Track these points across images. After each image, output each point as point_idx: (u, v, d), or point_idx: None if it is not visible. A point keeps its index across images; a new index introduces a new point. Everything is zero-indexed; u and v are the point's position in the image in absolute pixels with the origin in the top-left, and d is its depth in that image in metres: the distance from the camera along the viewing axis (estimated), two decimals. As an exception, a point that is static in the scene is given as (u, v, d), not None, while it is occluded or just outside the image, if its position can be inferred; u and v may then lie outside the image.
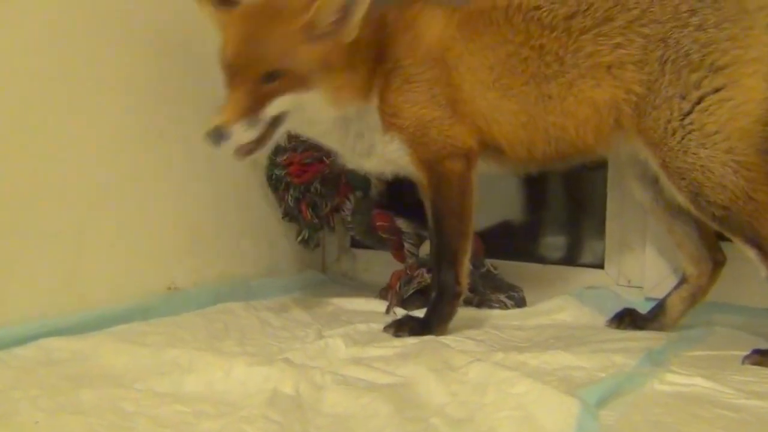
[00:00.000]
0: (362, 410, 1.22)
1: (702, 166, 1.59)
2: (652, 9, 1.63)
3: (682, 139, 1.60)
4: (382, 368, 1.43)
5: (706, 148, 1.58)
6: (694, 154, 1.59)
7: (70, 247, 1.76)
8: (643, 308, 1.96)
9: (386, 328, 1.79)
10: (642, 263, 2.14)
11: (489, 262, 2.22)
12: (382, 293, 2.20)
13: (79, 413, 1.18)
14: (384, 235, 2.29)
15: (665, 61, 1.61)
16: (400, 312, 2.00)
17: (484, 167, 1.84)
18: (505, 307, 2.13)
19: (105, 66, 1.84)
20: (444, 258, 1.81)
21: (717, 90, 1.57)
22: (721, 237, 1.80)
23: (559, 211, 2.53)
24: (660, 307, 1.91)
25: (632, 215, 2.14)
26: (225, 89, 1.64)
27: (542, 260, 2.39)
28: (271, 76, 1.62)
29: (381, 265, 2.40)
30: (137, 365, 1.44)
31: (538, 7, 1.73)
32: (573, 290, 2.17)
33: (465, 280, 1.81)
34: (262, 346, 1.64)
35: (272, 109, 1.63)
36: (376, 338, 1.73)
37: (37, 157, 1.69)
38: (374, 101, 1.78)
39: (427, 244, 2.19)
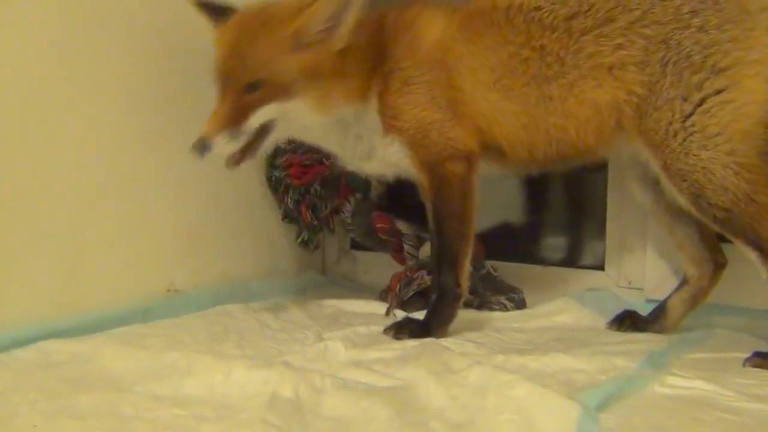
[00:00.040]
0: (362, 414, 1.21)
1: (703, 167, 1.58)
2: (653, 10, 1.63)
3: (684, 140, 1.60)
4: (381, 371, 1.43)
5: (708, 150, 1.58)
6: (695, 155, 1.59)
7: (70, 248, 1.75)
8: (644, 310, 1.96)
9: (386, 331, 1.78)
10: (642, 265, 2.14)
11: (489, 264, 2.22)
12: (382, 295, 2.20)
13: (78, 417, 1.17)
14: (384, 237, 2.29)
15: (666, 63, 1.61)
16: (400, 314, 2.00)
17: (485, 168, 1.84)
18: (506, 309, 2.12)
19: (105, 67, 1.83)
20: (445, 260, 1.80)
21: (718, 92, 1.57)
22: (722, 238, 1.80)
23: (560, 212, 2.53)
24: (661, 309, 1.91)
25: (633, 217, 2.14)
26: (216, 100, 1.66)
27: (542, 262, 2.39)
28: (252, 86, 1.63)
29: (381, 266, 2.40)
30: (136, 368, 1.43)
31: (539, 8, 1.72)
32: (573, 292, 2.16)
33: (465, 283, 1.80)
34: (261, 348, 1.63)
35: (256, 119, 1.64)
36: (375, 340, 1.73)
37: (36, 157, 1.69)
38: (373, 103, 1.78)
39: (427, 245, 2.18)
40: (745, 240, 1.60)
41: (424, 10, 1.83)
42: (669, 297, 1.91)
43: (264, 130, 1.68)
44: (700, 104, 1.58)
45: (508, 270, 2.26)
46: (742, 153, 1.56)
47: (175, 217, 2.04)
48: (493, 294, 2.15)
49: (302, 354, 1.55)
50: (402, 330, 1.76)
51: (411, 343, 1.67)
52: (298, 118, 1.70)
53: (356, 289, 2.45)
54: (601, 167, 2.16)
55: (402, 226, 2.27)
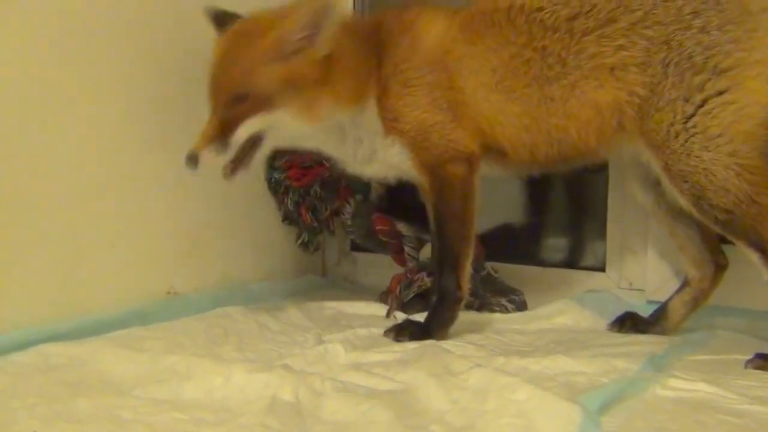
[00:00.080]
0: (362, 417, 1.20)
1: (705, 169, 1.58)
2: (655, 11, 1.62)
3: (685, 141, 1.59)
4: (382, 374, 1.42)
5: (709, 151, 1.57)
6: (697, 157, 1.58)
7: (69, 251, 1.75)
8: (645, 311, 1.96)
9: (386, 333, 1.78)
10: (643, 266, 2.13)
11: (489, 265, 2.21)
12: (383, 297, 2.19)
13: (77, 421, 1.16)
14: (384, 239, 2.28)
15: (668, 64, 1.60)
16: (400, 316, 1.99)
17: (486, 169, 1.83)
18: (506, 310, 2.12)
19: (105, 67, 1.83)
20: (446, 262, 1.80)
21: (720, 93, 1.56)
22: (723, 240, 1.79)
23: (560, 213, 2.52)
24: (662, 311, 1.90)
25: (634, 218, 2.13)
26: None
27: (543, 263, 2.38)
28: (238, 99, 1.64)
29: (381, 268, 2.39)
30: (136, 371, 1.42)
31: (540, 9, 1.72)
32: (574, 293, 2.16)
33: (466, 285, 1.80)
34: (261, 351, 1.63)
35: (243, 131, 1.66)
36: (376, 343, 1.72)
37: (35, 158, 1.68)
38: (371, 106, 1.77)
39: (427, 247, 2.18)
40: (747, 241, 1.60)
41: (423, 11, 1.83)
42: (670, 298, 1.90)
43: (255, 141, 1.69)
44: (701, 105, 1.57)
45: (508, 271, 2.25)
46: (744, 154, 1.55)
47: (175, 220, 2.03)
48: (494, 295, 2.15)
49: (302, 357, 1.55)
50: (402, 332, 1.76)
51: (411, 346, 1.67)
52: (285, 128, 1.71)
53: (356, 290, 2.45)
54: (602, 168, 2.15)
55: (402, 227, 2.27)
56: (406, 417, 1.20)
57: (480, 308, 2.11)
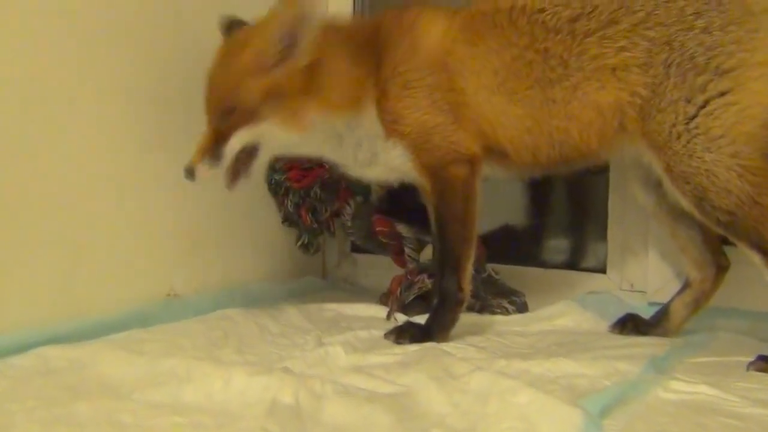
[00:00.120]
0: (362, 420, 1.20)
1: (707, 170, 1.57)
2: (656, 12, 1.62)
3: (687, 142, 1.59)
4: (382, 377, 1.42)
5: (711, 152, 1.57)
6: (699, 158, 1.58)
7: (68, 253, 1.74)
8: (646, 313, 1.95)
9: (387, 335, 1.77)
10: (645, 267, 2.13)
11: (490, 267, 2.20)
12: (383, 299, 2.19)
13: (76, 425, 1.16)
14: (384, 240, 2.27)
15: (670, 64, 1.60)
16: (401, 318, 1.98)
17: (488, 171, 1.83)
18: (507, 312, 2.11)
19: (105, 67, 1.82)
20: (447, 264, 1.79)
21: (722, 93, 1.56)
22: (724, 241, 1.79)
23: (562, 215, 2.51)
24: (663, 313, 1.90)
25: (635, 219, 2.13)
26: None
27: (544, 265, 2.38)
28: (228, 112, 1.67)
29: (381, 270, 2.39)
30: (135, 374, 1.41)
31: (542, 10, 1.71)
32: (575, 295, 2.15)
33: (468, 287, 1.79)
34: (261, 354, 1.62)
35: (235, 142, 1.68)
36: (376, 345, 1.71)
37: (35, 158, 1.67)
38: (370, 109, 1.76)
39: (428, 248, 2.17)
40: (749, 243, 1.59)
41: (423, 12, 1.82)
42: (672, 300, 1.90)
43: (251, 151, 1.72)
44: (703, 106, 1.57)
45: (509, 273, 2.25)
46: (746, 155, 1.55)
47: (175, 220, 2.02)
48: (495, 297, 2.14)
49: (302, 359, 1.54)
50: (403, 334, 1.75)
51: (412, 348, 1.66)
52: (275, 138, 1.73)
53: (357, 292, 2.44)
54: (604, 170, 2.15)
55: (402, 229, 2.26)
56: (406, 420, 1.19)
57: (481, 310, 2.11)
